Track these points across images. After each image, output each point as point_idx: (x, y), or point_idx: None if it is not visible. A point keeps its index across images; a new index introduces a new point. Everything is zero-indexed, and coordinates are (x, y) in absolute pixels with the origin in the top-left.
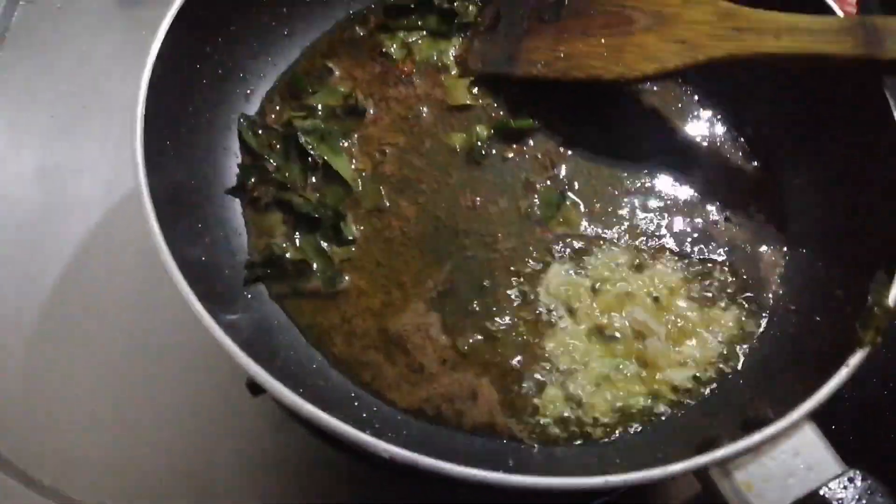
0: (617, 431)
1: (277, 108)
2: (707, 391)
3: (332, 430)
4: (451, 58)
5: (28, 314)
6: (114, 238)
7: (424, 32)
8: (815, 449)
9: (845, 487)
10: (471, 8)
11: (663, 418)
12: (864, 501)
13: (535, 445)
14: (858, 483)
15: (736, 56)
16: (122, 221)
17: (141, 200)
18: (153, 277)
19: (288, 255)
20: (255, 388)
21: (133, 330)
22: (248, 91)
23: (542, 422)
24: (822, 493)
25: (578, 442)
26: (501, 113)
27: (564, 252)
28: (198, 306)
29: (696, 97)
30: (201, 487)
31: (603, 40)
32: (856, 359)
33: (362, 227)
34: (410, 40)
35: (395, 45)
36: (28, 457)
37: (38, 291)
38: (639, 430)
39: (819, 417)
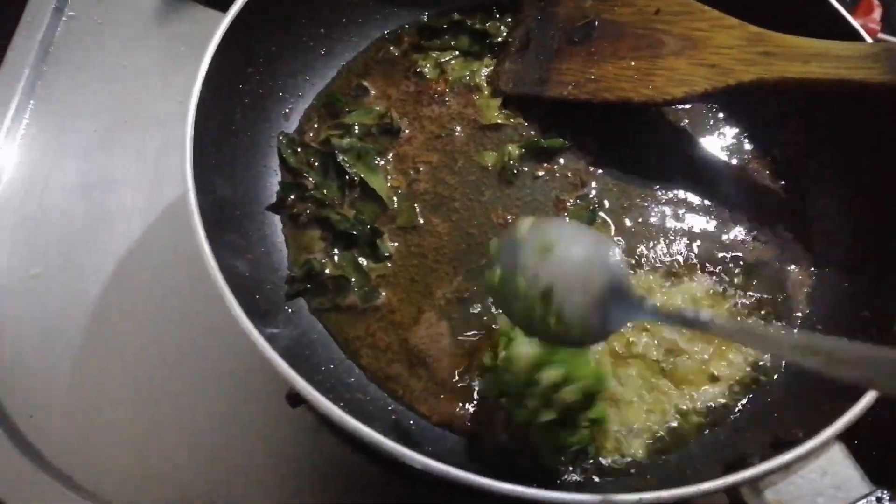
0: (648, 449)
1: (315, 126)
2: (737, 410)
3: (373, 444)
4: (483, 77)
5: (73, 324)
6: (155, 251)
7: (457, 52)
8: (843, 468)
9: None
10: (502, 28)
11: (693, 436)
12: None
13: None
14: (887, 503)
15: (765, 80)
16: (163, 234)
17: (190, 216)
18: (194, 290)
19: (327, 271)
20: (294, 399)
21: (174, 341)
22: (287, 110)
23: None
24: None
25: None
26: (532, 132)
27: None
28: (244, 319)
29: (724, 117)
30: (237, 495)
31: (633, 63)
32: None
33: (397, 244)
34: (443, 60)
35: (428, 65)
36: (74, 463)
37: (83, 302)
38: (670, 447)
39: (843, 436)
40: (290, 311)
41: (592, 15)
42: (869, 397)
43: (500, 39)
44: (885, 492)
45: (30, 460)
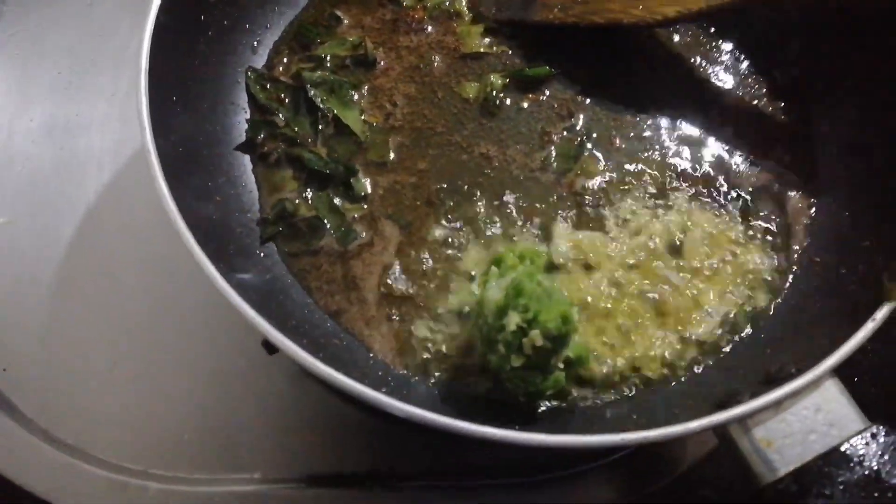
0: (634, 386)
1: (285, 59)
2: (728, 346)
3: (348, 391)
4: (464, 3)
5: (45, 273)
6: (126, 195)
7: None
8: (837, 405)
9: (867, 443)
10: None
11: (682, 373)
12: (886, 457)
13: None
14: (882, 439)
15: None
16: (134, 178)
17: (148, 158)
18: (167, 235)
19: (301, 213)
20: (271, 346)
21: (149, 288)
22: (255, 42)
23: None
24: (843, 449)
25: (594, 396)
26: (517, 60)
27: (584, 204)
28: (208, 265)
29: (720, 38)
30: (218, 443)
31: None
32: (883, 312)
33: (373, 183)
34: None
35: None
36: (49, 415)
37: (54, 250)
38: (657, 385)
39: (840, 371)
40: (262, 255)
41: None
42: (865, 331)
43: None
44: (881, 427)
45: (5, 413)
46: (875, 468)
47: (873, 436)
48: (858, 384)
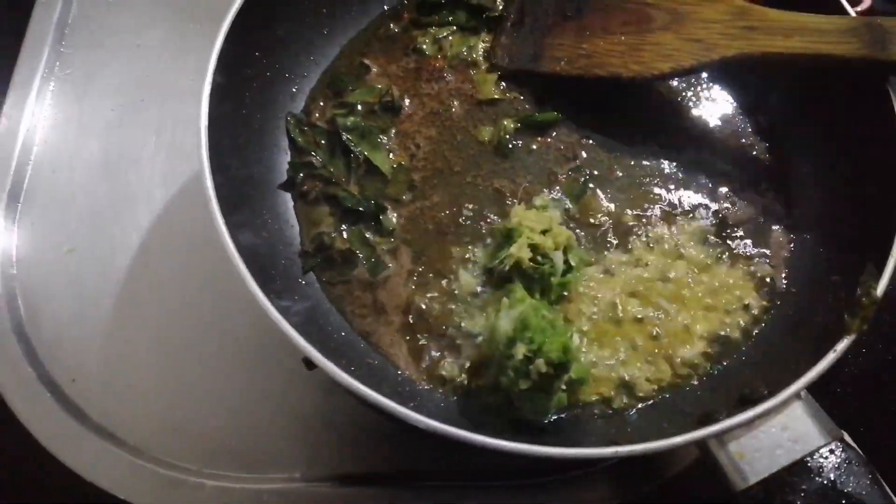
0: (626, 403)
1: (321, 105)
2: (710, 369)
3: (380, 406)
4: (480, 53)
5: (106, 296)
6: (176, 224)
7: (454, 28)
8: (802, 423)
9: (826, 458)
10: (498, 3)
11: (669, 392)
12: (843, 468)
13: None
14: (839, 453)
15: (747, 55)
16: (183, 209)
17: (207, 199)
18: (213, 260)
19: (336, 245)
20: (310, 363)
21: (198, 308)
22: (294, 90)
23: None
24: (806, 462)
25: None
26: (527, 106)
27: (581, 239)
28: (258, 293)
29: (712, 85)
30: (263, 446)
31: (623, 38)
32: (843, 345)
33: (401, 219)
34: (441, 36)
35: (427, 41)
36: (114, 421)
37: (114, 275)
38: (646, 402)
39: (823, 381)
40: (303, 283)
41: None
42: (826, 361)
43: (496, 14)
44: (839, 444)
45: (76, 420)
46: (832, 478)
47: (831, 451)
48: (839, 395)
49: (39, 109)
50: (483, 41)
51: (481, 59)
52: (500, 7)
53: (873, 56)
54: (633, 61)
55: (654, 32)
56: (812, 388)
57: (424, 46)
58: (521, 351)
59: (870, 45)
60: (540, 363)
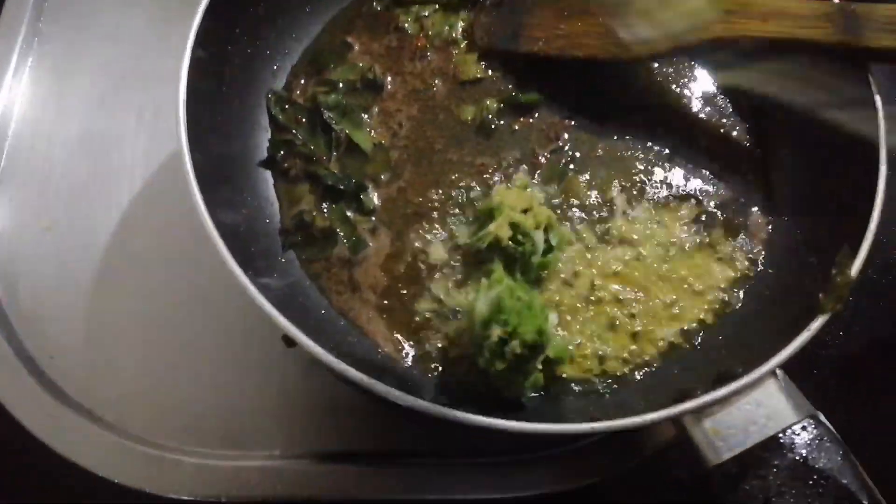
0: (604, 381)
1: (302, 82)
2: (688, 347)
3: (359, 383)
4: (460, 33)
5: (85, 272)
6: (156, 203)
7: (437, 6)
8: (775, 401)
9: (798, 434)
10: None
11: (647, 370)
12: (814, 445)
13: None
14: (811, 430)
15: (723, 39)
16: (163, 188)
17: (186, 175)
18: (193, 239)
19: (316, 223)
20: (290, 341)
21: (177, 285)
22: (275, 67)
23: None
24: (779, 437)
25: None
26: (510, 86)
27: (567, 218)
28: (238, 272)
29: (696, 67)
30: (242, 423)
31: (601, 19)
32: (817, 323)
33: (382, 197)
34: (423, 14)
35: (409, 20)
36: (92, 398)
37: (92, 252)
38: (624, 380)
39: (803, 363)
40: (283, 260)
41: None
42: (801, 339)
43: None
44: (812, 420)
45: (53, 397)
46: (804, 454)
47: (804, 427)
48: (817, 375)
49: (17, 85)
50: (462, 20)
51: (461, 37)
52: None
53: (846, 41)
54: (610, 43)
55: (634, 15)
56: (792, 372)
57: (406, 25)
58: (496, 333)
59: (843, 31)
60: (515, 345)
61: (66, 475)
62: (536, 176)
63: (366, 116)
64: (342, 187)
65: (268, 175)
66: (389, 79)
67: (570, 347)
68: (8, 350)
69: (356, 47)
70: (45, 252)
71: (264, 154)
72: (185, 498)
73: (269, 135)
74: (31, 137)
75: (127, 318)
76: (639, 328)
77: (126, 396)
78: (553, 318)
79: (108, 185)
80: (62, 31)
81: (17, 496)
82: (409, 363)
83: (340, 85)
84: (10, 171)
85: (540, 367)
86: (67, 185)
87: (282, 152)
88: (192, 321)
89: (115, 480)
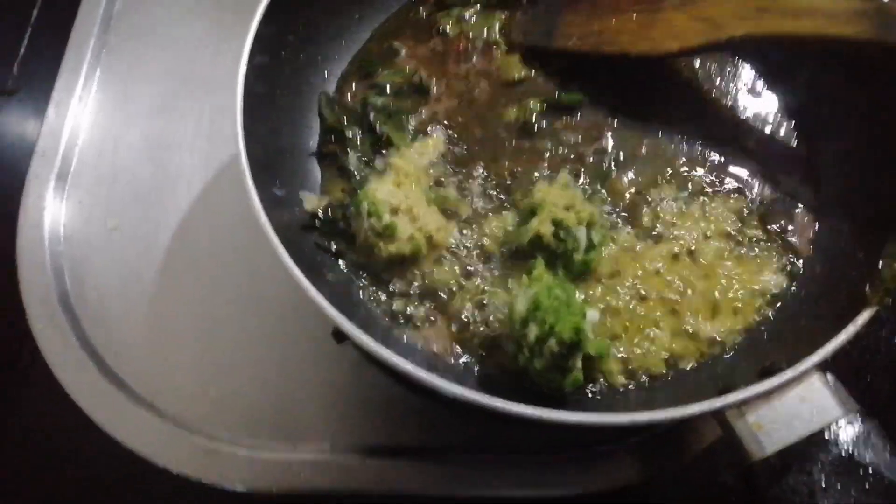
0: (648, 376)
1: (353, 86)
2: (732, 346)
3: (405, 372)
4: (498, 34)
5: (148, 271)
6: (214, 205)
7: (477, 7)
8: (820, 396)
9: (844, 429)
10: None
11: (692, 365)
12: (860, 440)
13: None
14: (857, 426)
15: (753, 35)
16: (220, 191)
17: (243, 173)
18: (250, 239)
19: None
20: (339, 336)
21: (234, 285)
22: (326, 72)
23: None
24: (823, 433)
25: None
26: (552, 86)
27: (605, 216)
28: (294, 268)
29: (741, 66)
30: (294, 418)
31: (634, 16)
32: (863, 317)
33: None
34: (464, 16)
35: (450, 22)
36: (154, 391)
37: (155, 252)
38: (668, 375)
39: (853, 368)
40: (334, 259)
41: None
42: (846, 334)
43: None
44: (857, 416)
45: (118, 389)
46: (849, 450)
47: (849, 422)
48: (871, 379)
49: (86, 95)
50: (499, 20)
51: (501, 39)
52: None
53: (881, 39)
54: (641, 40)
55: (666, 11)
56: (842, 376)
57: (448, 27)
58: (533, 332)
59: (878, 28)
60: (552, 343)
61: (127, 464)
62: (581, 175)
63: (412, 119)
64: None
65: (318, 174)
66: (435, 82)
67: (612, 344)
68: (76, 344)
69: (403, 52)
70: (112, 252)
71: (314, 154)
72: (239, 489)
73: (318, 136)
74: (100, 143)
75: (186, 315)
76: (683, 326)
77: (184, 389)
78: (594, 315)
79: (168, 189)
80: (127, 42)
81: (82, 483)
82: (454, 359)
83: (388, 88)
84: (78, 175)
85: (580, 364)
86: (132, 189)
87: (329, 152)
88: (247, 319)
89: (173, 470)
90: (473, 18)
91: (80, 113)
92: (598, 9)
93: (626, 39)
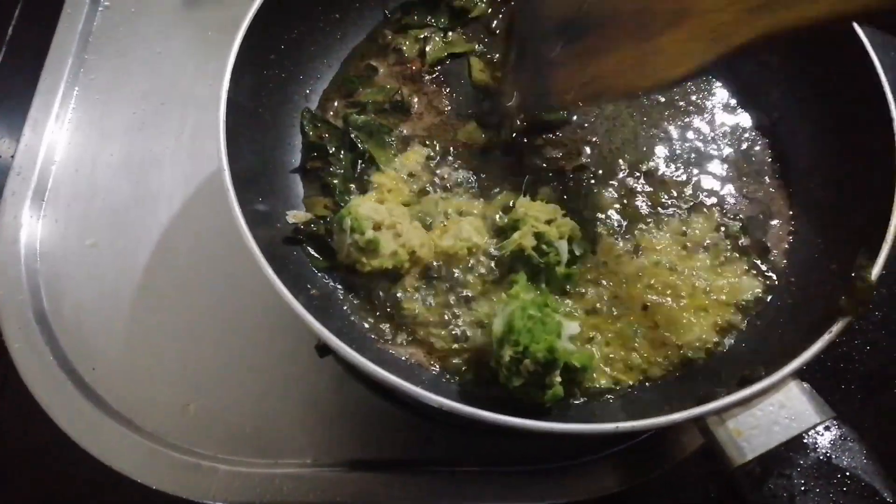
0: (630, 385)
1: (335, 104)
2: (713, 353)
3: (388, 384)
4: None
5: (126, 288)
6: (194, 221)
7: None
8: (798, 402)
9: (821, 434)
10: (480, 4)
11: (672, 375)
12: (838, 444)
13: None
14: (834, 430)
15: (769, 35)
16: (201, 207)
17: (226, 191)
18: (230, 255)
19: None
20: (323, 350)
21: (214, 300)
22: (308, 91)
23: None
24: (802, 438)
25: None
26: (533, 105)
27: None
28: (277, 282)
29: (714, 83)
30: (276, 433)
31: (629, 50)
32: (838, 326)
33: None
34: (422, 37)
35: (407, 43)
36: (132, 407)
37: (134, 268)
38: (651, 387)
39: (829, 377)
40: (318, 274)
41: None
42: (822, 342)
43: (477, 14)
44: (834, 422)
45: (95, 406)
46: (827, 454)
47: (826, 428)
48: (845, 385)
49: (64, 113)
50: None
51: (478, 60)
52: (482, 8)
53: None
54: (644, 75)
55: (662, 34)
56: (818, 385)
57: (404, 47)
58: (507, 353)
59: None
60: (527, 363)
61: (106, 481)
62: (561, 191)
63: (392, 138)
64: None
65: (300, 190)
66: (416, 100)
67: (595, 355)
68: (52, 361)
69: (381, 70)
70: (89, 269)
71: (296, 170)
72: None
73: (300, 152)
74: (77, 161)
75: (166, 331)
76: (664, 336)
77: (164, 405)
78: (575, 328)
79: (148, 206)
80: (106, 59)
81: (58, 500)
82: (437, 372)
83: (369, 106)
84: (56, 193)
85: (559, 379)
86: (110, 206)
87: (312, 167)
88: (227, 334)
89: (153, 487)
90: (434, 38)
91: (58, 131)
92: (589, 54)
93: (630, 77)
